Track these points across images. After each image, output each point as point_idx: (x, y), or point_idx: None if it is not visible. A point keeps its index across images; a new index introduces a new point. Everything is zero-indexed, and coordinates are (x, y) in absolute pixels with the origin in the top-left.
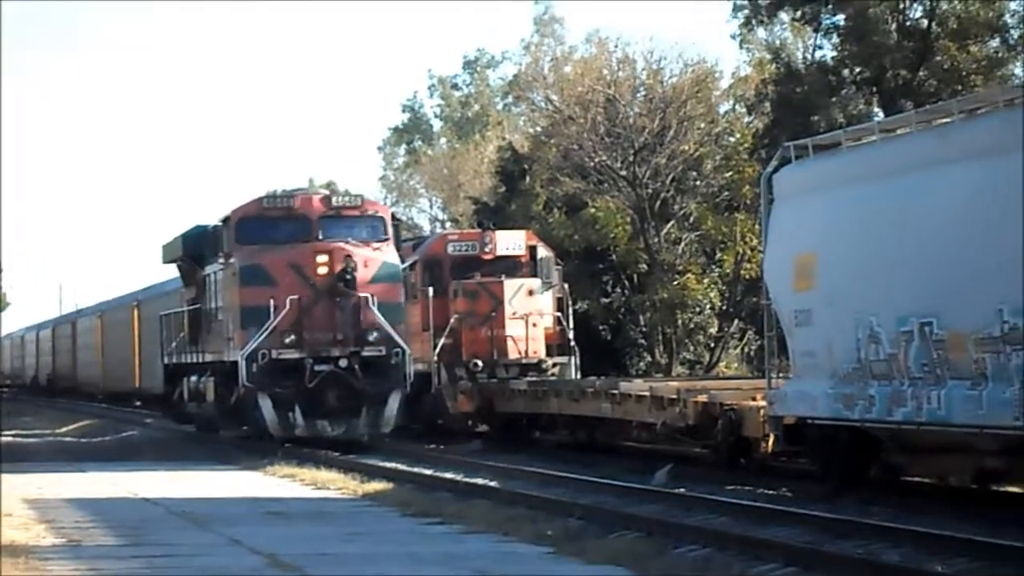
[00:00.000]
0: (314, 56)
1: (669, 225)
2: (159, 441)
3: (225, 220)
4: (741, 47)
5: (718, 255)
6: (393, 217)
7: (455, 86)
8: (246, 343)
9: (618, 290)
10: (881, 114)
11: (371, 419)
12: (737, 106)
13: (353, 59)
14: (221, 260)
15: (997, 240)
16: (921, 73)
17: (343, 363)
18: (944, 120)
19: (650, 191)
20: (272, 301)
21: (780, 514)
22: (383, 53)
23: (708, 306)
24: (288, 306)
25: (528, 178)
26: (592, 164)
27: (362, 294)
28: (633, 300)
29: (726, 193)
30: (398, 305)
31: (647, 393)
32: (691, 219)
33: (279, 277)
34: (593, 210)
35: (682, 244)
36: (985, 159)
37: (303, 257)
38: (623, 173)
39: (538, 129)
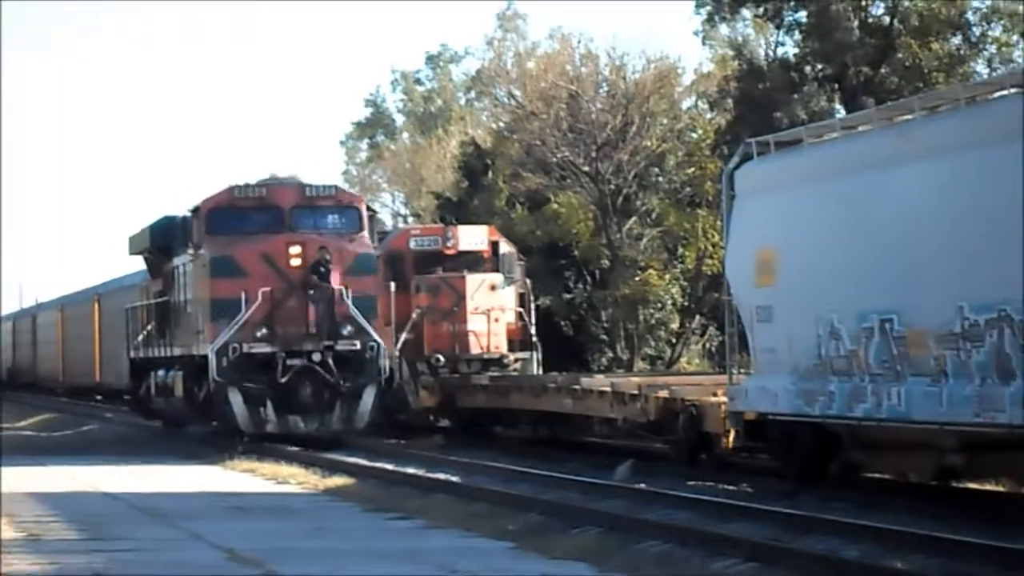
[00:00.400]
0: (277, 50)
1: (631, 221)
2: (120, 436)
3: (195, 210)
4: (704, 44)
5: (680, 251)
6: (368, 208)
7: (418, 81)
8: (216, 336)
9: (580, 286)
10: (843, 111)
11: (345, 414)
12: (700, 102)
13: (316, 53)
14: (190, 251)
15: (957, 237)
16: (883, 70)
17: (316, 357)
18: (906, 117)
19: (612, 187)
20: (243, 293)
21: (741, 510)
22: (346, 48)
23: (670, 302)
24: (260, 299)
25: (491, 173)
26: (555, 160)
27: (336, 287)
28: (595, 296)
29: (688, 189)
30: (373, 298)
31: (608, 389)
32: (653, 215)
33: (251, 269)
34: (555, 206)
35: (644, 240)
36: (946, 156)
37: (275, 248)
38: (586, 169)
39: (501, 124)
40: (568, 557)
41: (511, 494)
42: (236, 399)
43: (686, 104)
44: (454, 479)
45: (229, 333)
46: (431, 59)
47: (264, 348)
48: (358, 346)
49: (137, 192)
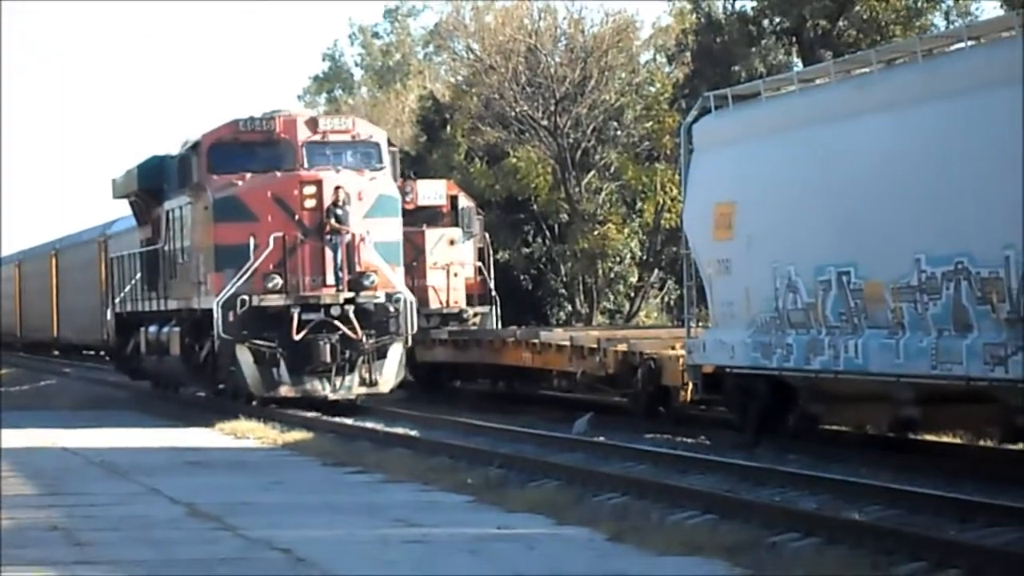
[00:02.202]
0: (234, 4)
1: (590, 175)
2: (76, 392)
3: (194, 146)
4: None
5: (638, 205)
6: (389, 142)
7: (376, 35)
8: (222, 288)
9: (539, 240)
10: (800, 64)
11: (368, 376)
12: (658, 56)
13: (273, 8)
14: (188, 193)
15: (914, 190)
16: (840, 23)
17: (335, 311)
18: (863, 70)
19: (571, 141)
20: (252, 239)
21: (698, 462)
22: (303, 1)
23: (628, 256)
24: (271, 245)
25: (449, 128)
26: (513, 114)
27: (356, 231)
28: (554, 250)
29: (647, 143)
30: (397, 244)
31: (567, 343)
32: (612, 169)
33: (260, 211)
34: (514, 160)
35: (603, 194)
36: (904, 110)
37: (287, 188)
38: (544, 123)
39: (459, 78)
40: (526, 510)
41: (470, 448)
42: (245, 358)
43: (644, 58)
44: (412, 433)
45: (236, 284)
46: (389, 13)
47: (276, 301)
48: (382, 298)
49: (94, 148)
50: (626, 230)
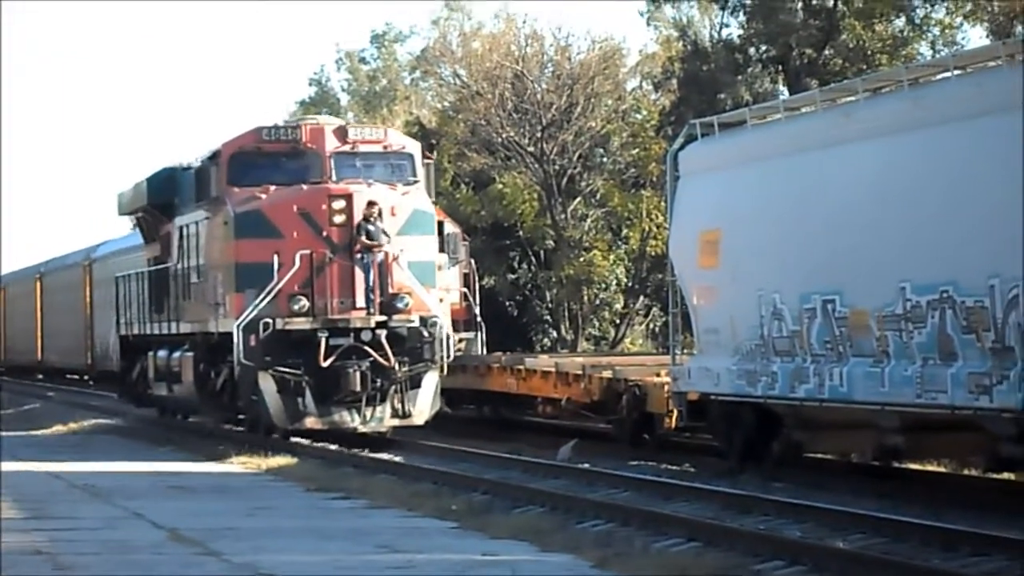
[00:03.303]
0: (221, 28)
1: (576, 202)
2: (62, 413)
3: (213, 156)
4: (649, 25)
5: (624, 232)
6: (424, 154)
7: (363, 60)
8: (243, 310)
9: (524, 266)
10: (787, 92)
11: (401, 406)
12: (644, 83)
13: (261, 32)
14: (205, 207)
15: (900, 218)
16: (827, 52)
17: (366, 336)
18: (849, 99)
19: (557, 167)
20: (276, 257)
21: (683, 489)
22: (291, 26)
23: (614, 282)
24: (297, 263)
25: (435, 153)
26: (500, 140)
27: (389, 249)
28: (539, 276)
29: (633, 170)
30: (432, 264)
31: (552, 369)
32: (598, 196)
33: (285, 227)
34: (500, 186)
35: (588, 220)
36: (889, 138)
37: (314, 202)
38: (530, 149)
39: (446, 104)
40: (510, 537)
41: (454, 474)
42: (268, 387)
43: (631, 85)
44: (397, 459)
45: (259, 306)
46: (376, 38)
47: (302, 324)
48: (416, 322)
49: (82, 173)
50: (612, 257)
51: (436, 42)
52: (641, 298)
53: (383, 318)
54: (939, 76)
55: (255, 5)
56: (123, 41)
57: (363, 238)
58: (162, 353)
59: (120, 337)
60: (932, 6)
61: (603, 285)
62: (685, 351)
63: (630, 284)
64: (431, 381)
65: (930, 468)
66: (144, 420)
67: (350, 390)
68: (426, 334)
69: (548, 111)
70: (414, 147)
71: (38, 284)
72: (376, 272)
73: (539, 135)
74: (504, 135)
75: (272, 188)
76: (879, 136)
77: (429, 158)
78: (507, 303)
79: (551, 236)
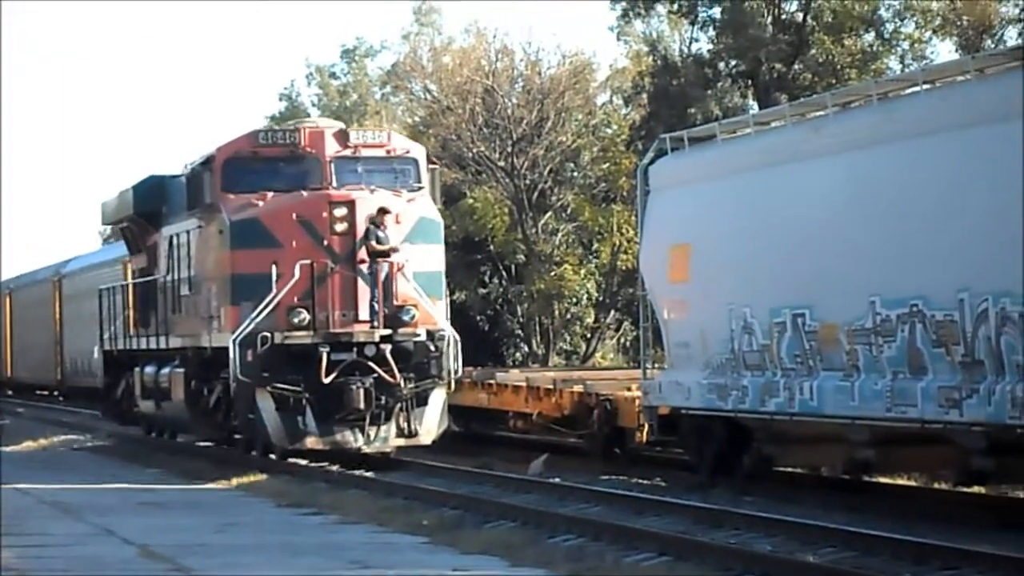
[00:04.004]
0: (190, 43)
1: (547, 216)
2: (32, 429)
3: (207, 161)
4: (619, 40)
5: (595, 246)
6: (429, 159)
7: (333, 75)
8: (239, 323)
9: (496, 281)
10: (756, 107)
11: (407, 426)
12: (614, 98)
13: (230, 47)
14: (198, 215)
15: (869, 232)
16: (796, 66)
17: (369, 351)
18: (818, 113)
19: (528, 182)
20: (274, 267)
21: (654, 504)
22: (260, 41)
23: (585, 297)
24: (296, 274)
25: None
26: (470, 155)
27: (394, 259)
28: (510, 291)
29: (603, 184)
30: (439, 274)
31: (523, 383)
32: (568, 210)
33: (283, 236)
34: (471, 201)
35: (559, 235)
36: (858, 152)
37: (315, 209)
38: (501, 164)
39: (416, 119)
40: (481, 551)
41: (425, 489)
42: (266, 405)
43: (601, 100)
44: (368, 474)
45: (256, 319)
46: (346, 53)
47: (302, 338)
48: (423, 336)
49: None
50: (582, 271)
51: (406, 57)
52: (612, 312)
53: (388, 332)
54: (908, 90)
55: (224, 20)
56: (91, 56)
57: (373, 243)
58: (150, 369)
59: (104, 352)
60: (901, 21)
61: (574, 299)
62: (656, 365)
63: (601, 298)
64: (438, 398)
65: (900, 482)
66: (116, 436)
67: (353, 408)
68: (433, 348)
69: (518, 126)
70: (419, 152)
71: (8, 300)
72: (381, 284)
73: (510, 150)
74: (475, 150)
75: (269, 195)
76: (848, 151)
77: (434, 163)
78: (478, 318)
79: (522, 251)
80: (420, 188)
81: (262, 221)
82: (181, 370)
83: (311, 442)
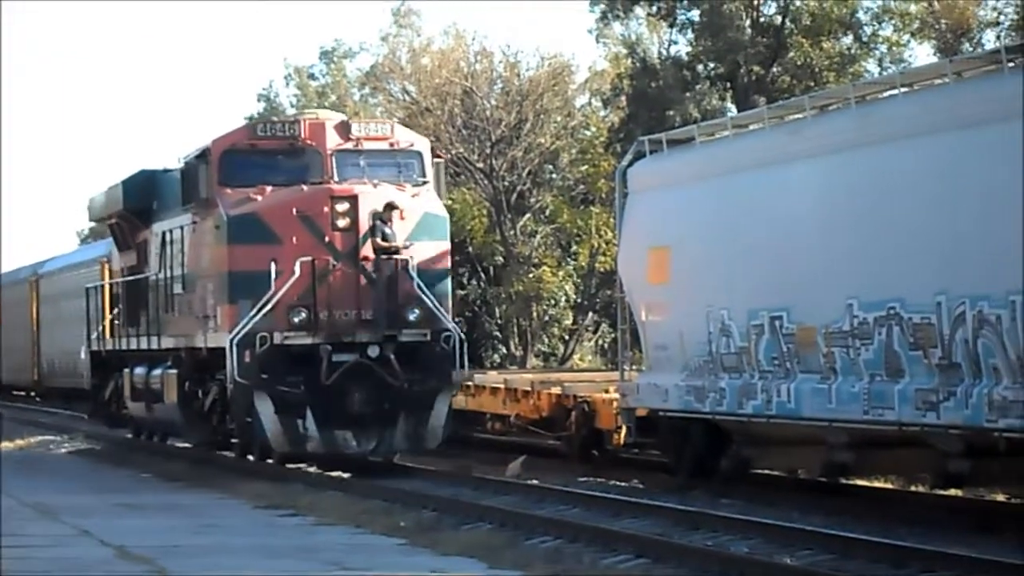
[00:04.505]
0: (169, 44)
1: (525, 218)
2: (9, 430)
3: (202, 154)
4: (598, 42)
5: (573, 248)
6: (433, 152)
7: (312, 76)
8: (237, 323)
9: (474, 282)
10: (735, 109)
11: (411, 430)
12: (593, 100)
13: (208, 47)
14: (193, 210)
15: (847, 235)
16: (775, 69)
17: (373, 352)
18: (796, 116)
19: (507, 184)
20: (274, 264)
21: (631, 506)
22: (239, 42)
23: (563, 299)
24: (297, 271)
25: None
26: (449, 156)
27: (399, 256)
28: (489, 292)
29: (582, 186)
30: (445, 273)
31: (501, 385)
32: (547, 212)
33: (283, 231)
34: (450, 202)
35: (538, 237)
36: (836, 155)
37: (316, 204)
38: (480, 165)
39: (395, 120)
40: (459, 553)
41: (403, 490)
42: (265, 408)
43: (580, 102)
44: (346, 476)
45: (255, 318)
46: (325, 54)
47: (303, 339)
48: (428, 337)
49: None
50: (561, 273)
51: (385, 58)
52: (590, 314)
53: (392, 332)
54: (886, 94)
55: (203, 21)
56: (65, 57)
57: (379, 240)
58: (140, 370)
59: (91, 353)
60: (880, 24)
61: (552, 301)
62: (634, 367)
63: (579, 300)
64: (444, 401)
65: (878, 484)
66: (97, 438)
67: (355, 412)
68: (438, 349)
69: (497, 127)
70: (423, 144)
71: None
72: (385, 282)
73: (488, 151)
74: (453, 151)
75: (268, 189)
76: (826, 153)
77: (439, 157)
78: (456, 319)
79: (500, 252)
80: (425, 182)
81: (261, 216)
82: (174, 371)
83: (312, 446)
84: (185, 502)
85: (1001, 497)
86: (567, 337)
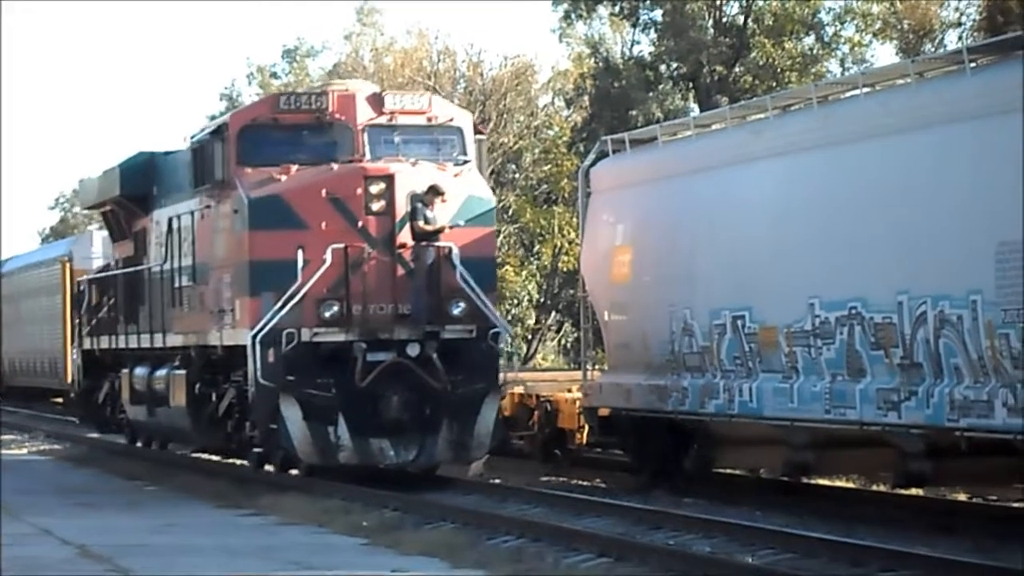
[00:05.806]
0: (131, 42)
1: None
2: None
3: (218, 131)
4: (561, 41)
5: (536, 247)
6: (476, 128)
7: (274, 75)
8: (259, 318)
9: None
10: (697, 109)
11: (455, 438)
12: (556, 100)
13: (170, 46)
14: (206, 193)
15: (808, 235)
16: (737, 69)
17: (413, 350)
18: (758, 116)
19: None
20: (300, 252)
21: (594, 505)
22: (201, 40)
23: (526, 298)
24: (327, 260)
25: None
26: None
27: (440, 244)
28: None
29: (545, 186)
30: (491, 262)
31: None
32: (510, 212)
33: (311, 216)
34: None
35: (501, 236)
36: (798, 155)
37: (348, 185)
38: None
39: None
40: (421, 553)
41: (365, 490)
42: (291, 413)
43: (543, 101)
44: (307, 476)
45: (280, 313)
46: (288, 53)
47: (334, 335)
48: (474, 334)
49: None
50: (524, 272)
51: (348, 57)
52: (553, 314)
53: (433, 328)
54: (848, 94)
55: (164, 18)
56: (22, 55)
57: (421, 223)
58: (141, 371)
59: (83, 352)
60: (842, 24)
61: (515, 301)
62: (596, 367)
63: (542, 300)
64: (492, 405)
65: (839, 484)
66: (56, 437)
67: (393, 418)
68: (483, 347)
69: None
70: (464, 119)
71: None
72: (426, 273)
73: None
74: None
75: (294, 168)
76: (788, 153)
77: (481, 132)
78: None
79: None
80: (467, 161)
81: (285, 199)
82: (182, 372)
83: (344, 456)
84: (146, 501)
85: (962, 497)
86: (530, 336)
